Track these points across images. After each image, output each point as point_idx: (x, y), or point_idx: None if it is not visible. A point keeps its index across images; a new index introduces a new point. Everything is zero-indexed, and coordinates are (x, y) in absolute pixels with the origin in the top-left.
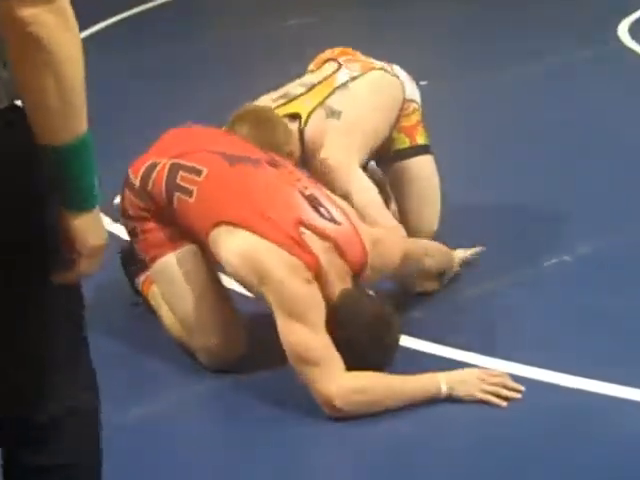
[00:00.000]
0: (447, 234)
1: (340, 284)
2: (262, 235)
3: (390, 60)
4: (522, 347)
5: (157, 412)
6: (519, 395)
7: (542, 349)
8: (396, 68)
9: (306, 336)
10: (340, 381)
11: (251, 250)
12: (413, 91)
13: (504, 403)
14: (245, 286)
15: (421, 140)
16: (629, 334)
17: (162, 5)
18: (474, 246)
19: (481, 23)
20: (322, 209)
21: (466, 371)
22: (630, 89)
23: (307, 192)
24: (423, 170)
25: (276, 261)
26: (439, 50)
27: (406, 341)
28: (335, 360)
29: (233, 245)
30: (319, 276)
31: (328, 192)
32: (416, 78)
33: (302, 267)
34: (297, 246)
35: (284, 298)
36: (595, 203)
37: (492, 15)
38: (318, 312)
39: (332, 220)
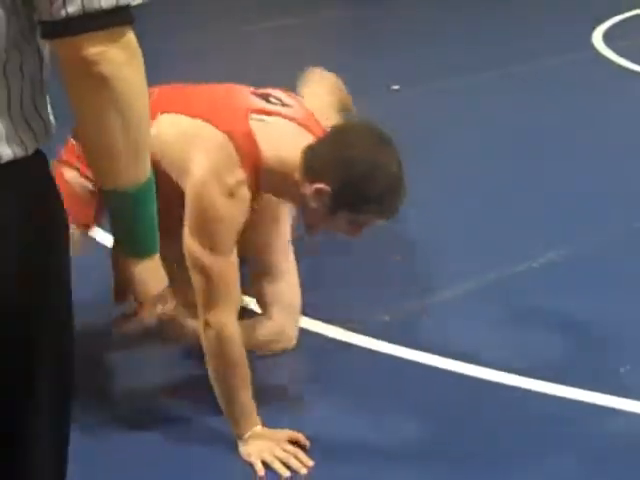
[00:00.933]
0: (415, 239)
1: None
2: (208, 121)
3: (362, 65)
4: (488, 352)
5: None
6: (305, 470)
7: (509, 355)
8: None
9: (209, 255)
10: (227, 317)
11: (193, 130)
12: None
13: (287, 473)
14: (172, 171)
15: None
16: (595, 341)
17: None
18: None
19: (455, 30)
20: (272, 98)
21: (273, 433)
22: (604, 96)
23: (259, 91)
24: None
25: (211, 154)
26: (411, 55)
27: (368, 343)
28: (231, 293)
29: (176, 124)
30: (260, 169)
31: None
32: (389, 83)
33: (235, 166)
34: (242, 136)
35: (199, 206)
36: (564, 210)
37: (465, 23)
38: (229, 233)
39: (283, 105)
